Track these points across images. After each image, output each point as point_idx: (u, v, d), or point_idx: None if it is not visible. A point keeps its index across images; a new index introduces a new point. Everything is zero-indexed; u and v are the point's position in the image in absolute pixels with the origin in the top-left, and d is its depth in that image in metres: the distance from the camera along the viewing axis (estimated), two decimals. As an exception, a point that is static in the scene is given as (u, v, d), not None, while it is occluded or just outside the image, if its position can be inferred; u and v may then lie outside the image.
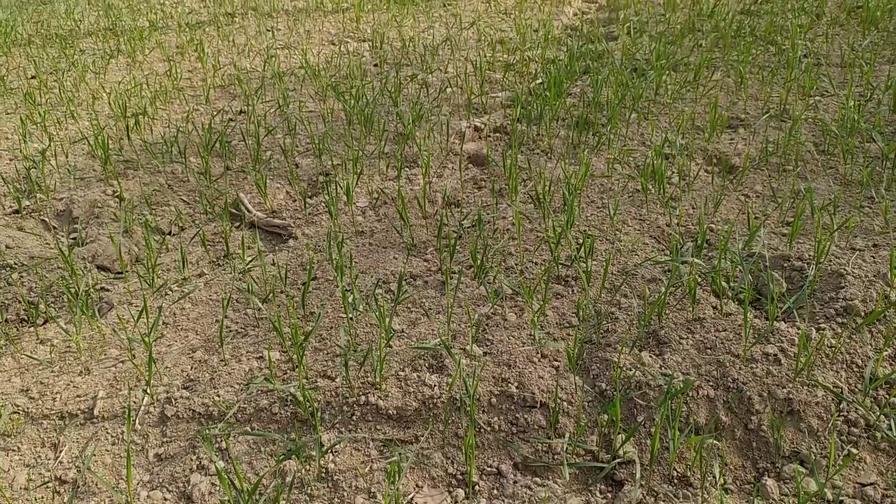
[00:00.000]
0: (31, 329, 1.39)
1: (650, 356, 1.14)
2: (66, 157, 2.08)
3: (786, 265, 1.32)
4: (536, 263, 1.44)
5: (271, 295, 1.41)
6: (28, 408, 1.17)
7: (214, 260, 1.59)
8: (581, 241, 1.47)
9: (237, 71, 2.71)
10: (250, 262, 1.54)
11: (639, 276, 1.35)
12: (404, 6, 3.53)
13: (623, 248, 1.46)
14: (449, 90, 2.41)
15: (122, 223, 1.71)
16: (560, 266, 1.40)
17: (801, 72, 2.22)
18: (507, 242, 1.53)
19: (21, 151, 2.12)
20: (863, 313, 1.16)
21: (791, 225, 1.45)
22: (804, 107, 2.02)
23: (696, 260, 1.25)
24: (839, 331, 1.14)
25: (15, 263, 1.56)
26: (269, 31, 3.35)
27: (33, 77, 2.92)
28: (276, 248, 1.64)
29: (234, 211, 1.78)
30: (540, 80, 2.45)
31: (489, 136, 2.12)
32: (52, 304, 1.45)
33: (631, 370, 1.10)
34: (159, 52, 3.11)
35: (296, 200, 1.85)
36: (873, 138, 1.77)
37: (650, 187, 1.68)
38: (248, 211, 1.76)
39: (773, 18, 2.78)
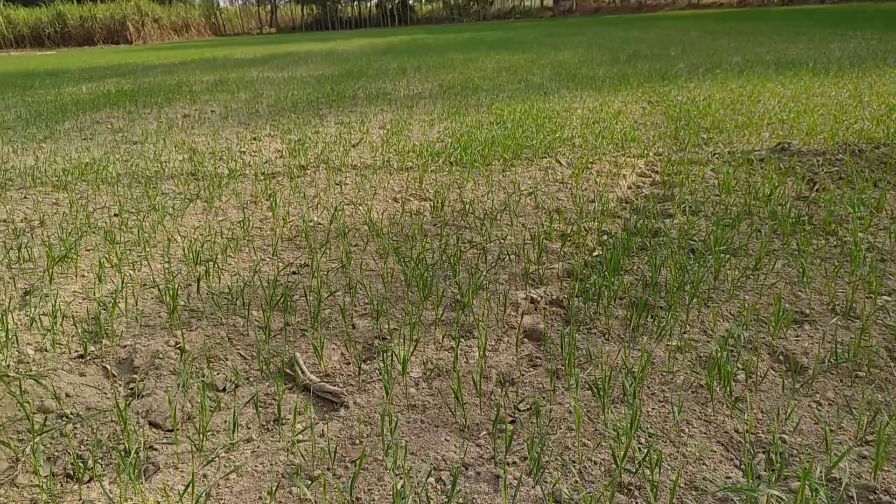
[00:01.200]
0: (76, 487, 1.37)
1: None
2: (136, 301, 2.16)
3: (871, 498, 1.22)
4: (595, 463, 1.38)
5: (319, 473, 1.36)
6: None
7: (265, 424, 1.57)
8: (647, 444, 1.41)
9: (305, 224, 2.85)
10: (301, 432, 1.52)
11: (709, 493, 1.26)
12: (465, 170, 3.72)
13: (689, 455, 1.38)
14: (506, 258, 2.46)
15: (180, 378, 1.73)
16: (622, 471, 1.33)
17: (867, 270, 2.20)
18: (565, 433, 1.47)
19: (95, 292, 2.22)
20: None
21: (872, 444, 1.36)
22: (872, 307, 1.98)
23: (773, 491, 1.17)
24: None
25: (71, 413, 1.57)
26: (337, 185, 3.55)
27: (116, 215, 3.13)
28: (327, 415, 1.61)
29: (288, 371, 1.79)
30: (597, 253, 2.49)
31: (545, 308, 2.12)
32: (100, 461, 1.44)
33: None
34: (235, 200, 3.32)
35: (350, 364, 1.85)
36: (952, 349, 1.69)
37: (715, 385, 1.62)
38: (303, 373, 1.77)
39: (832, 207, 2.81)
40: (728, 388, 1.59)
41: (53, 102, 8.09)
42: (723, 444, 1.41)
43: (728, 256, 2.38)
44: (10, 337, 1.92)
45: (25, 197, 3.57)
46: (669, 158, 3.81)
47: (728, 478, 1.30)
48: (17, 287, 2.32)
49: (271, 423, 1.57)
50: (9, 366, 1.80)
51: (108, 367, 1.79)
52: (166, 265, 2.47)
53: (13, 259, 2.58)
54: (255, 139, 5.00)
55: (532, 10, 63.75)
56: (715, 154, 3.86)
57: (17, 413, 1.59)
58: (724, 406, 1.55)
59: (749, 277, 2.23)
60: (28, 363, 1.82)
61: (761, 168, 3.50)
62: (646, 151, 4.02)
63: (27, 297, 2.23)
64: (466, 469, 1.38)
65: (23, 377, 1.72)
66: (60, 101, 8.16)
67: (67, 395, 1.65)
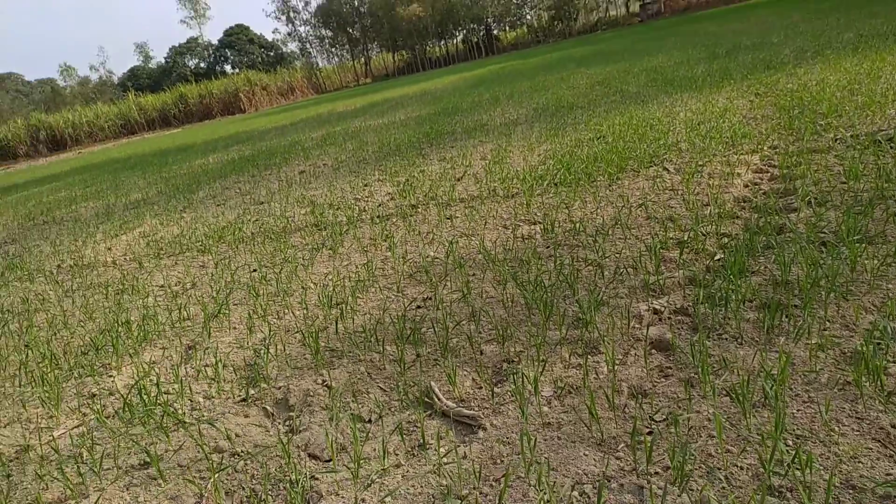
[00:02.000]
0: (254, 515, 1.53)
1: None
2: (284, 346, 2.38)
3: None
4: (742, 468, 1.36)
5: (467, 493, 1.44)
6: None
7: (410, 450, 1.67)
8: (795, 446, 1.37)
9: (423, 260, 3.00)
10: (445, 455, 1.61)
11: (868, 491, 1.21)
12: (571, 189, 3.75)
13: (842, 453, 1.33)
14: (623, 272, 2.46)
15: (331, 412, 1.88)
16: (771, 474, 1.30)
17: None
18: (706, 441, 1.46)
19: (247, 341, 2.46)
20: None
21: None
22: None
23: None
24: None
25: (241, 451, 1.76)
26: (448, 219, 3.70)
27: (255, 271, 3.44)
28: (467, 438, 1.70)
29: (426, 399, 1.90)
30: (719, 257, 2.43)
31: (669, 318, 2.10)
32: (271, 492, 1.60)
33: None
34: (356, 245, 3.55)
35: (482, 388, 1.92)
36: None
37: (864, 381, 1.55)
38: (439, 400, 1.87)
39: (981, 180, 2.58)
40: (879, 383, 1.51)
41: (187, 175, 8.96)
42: (879, 441, 1.35)
43: (864, 246, 2.25)
44: (182, 387, 2.18)
45: (176, 263, 3.99)
46: (786, 150, 3.64)
47: (889, 474, 1.24)
48: (182, 342, 2.61)
49: (416, 448, 1.68)
50: (184, 413, 2.04)
51: (268, 407, 1.98)
52: (304, 311, 2.68)
53: (174, 319, 2.90)
54: (366, 185, 5.29)
55: (618, 19, 62.63)
56: (837, 139, 3.65)
57: (197, 454, 1.80)
58: (877, 402, 1.47)
59: (891, 265, 2.10)
60: (200, 409, 2.05)
61: (891, 148, 3.27)
62: (759, 146, 3.86)
63: (191, 351, 2.51)
64: (609, 482, 1.41)
65: (199, 422, 1.95)
66: (192, 173, 9.03)
67: (237, 435, 1.85)
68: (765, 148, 3.81)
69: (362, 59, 70.23)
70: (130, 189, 8.71)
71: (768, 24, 14.23)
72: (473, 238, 3.26)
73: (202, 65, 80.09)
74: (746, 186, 3.25)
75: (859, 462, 1.30)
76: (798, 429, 1.44)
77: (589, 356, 1.95)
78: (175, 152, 14.81)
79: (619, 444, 1.53)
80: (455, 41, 69.06)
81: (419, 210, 4.06)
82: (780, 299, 2.00)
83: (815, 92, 4.97)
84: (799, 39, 9.25)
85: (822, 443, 1.38)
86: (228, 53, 79.59)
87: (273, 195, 5.75)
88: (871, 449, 1.33)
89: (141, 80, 77.28)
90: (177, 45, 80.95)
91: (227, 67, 78.42)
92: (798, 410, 1.51)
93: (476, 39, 66.46)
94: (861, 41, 7.44)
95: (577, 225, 3.09)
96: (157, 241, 4.72)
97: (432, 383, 1.94)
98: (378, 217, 4.07)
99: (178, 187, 7.72)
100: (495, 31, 67.54)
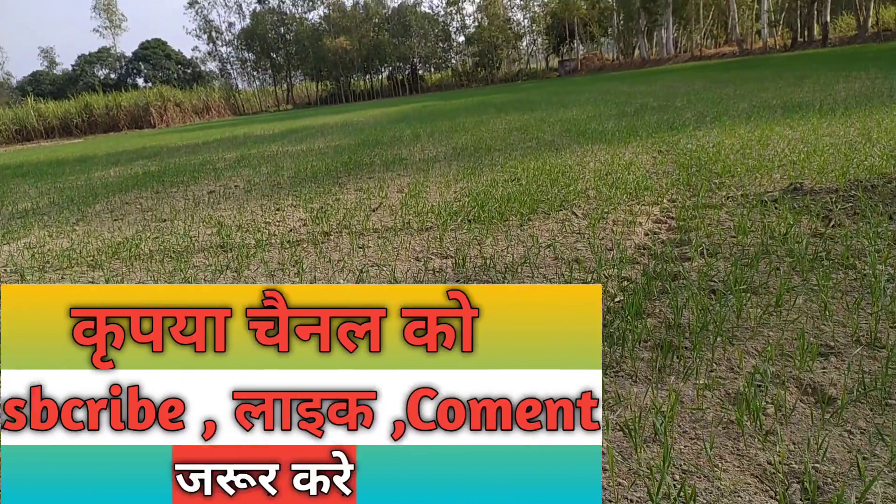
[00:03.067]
0: None
1: None
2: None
3: (910, 520, 1.22)
4: (631, 501, 1.39)
5: None
6: None
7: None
8: (681, 479, 1.42)
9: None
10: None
11: (745, 523, 1.27)
12: (484, 227, 3.82)
13: (724, 488, 1.39)
14: (530, 309, 2.51)
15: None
16: (658, 506, 1.34)
17: (889, 300, 2.21)
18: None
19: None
20: None
21: (907, 469, 1.36)
22: (897, 336, 1.99)
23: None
24: None
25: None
26: (360, 248, 3.66)
27: (151, 288, 3.25)
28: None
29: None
30: (619, 299, 2.53)
31: (571, 355, 2.15)
32: None
33: None
34: (263, 268, 3.44)
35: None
36: (981, 373, 1.69)
37: (745, 420, 1.64)
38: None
39: (849, 242, 2.84)
40: (758, 422, 1.61)
41: (84, 187, 8.45)
42: (757, 476, 1.42)
43: (749, 295, 2.41)
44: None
45: (63, 278, 3.72)
46: (684, 204, 3.88)
47: (765, 509, 1.31)
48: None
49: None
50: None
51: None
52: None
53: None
54: (278, 209, 5.17)
55: (538, 72, 65.60)
56: (728, 197, 3.93)
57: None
58: (756, 439, 1.56)
59: (771, 314, 2.26)
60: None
61: (776, 208, 3.55)
62: (660, 199, 4.10)
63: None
64: (504, 513, 1.40)
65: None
66: (90, 186, 8.52)
67: None
68: (664, 201, 4.05)
69: (284, 85, 69.57)
70: (19, 198, 8.10)
71: (673, 89, 15.33)
72: (384, 268, 3.24)
73: (112, 75, 76.68)
74: (647, 235, 3.42)
75: (738, 496, 1.36)
76: (684, 463, 1.50)
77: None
78: (73, 163, 13.96)
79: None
80: (381, 77, 69.87)
81: (331, 237, 4.01)
82: (672, 341, 2.10)
83: (711, 153, 5.36)
84: (700, 105, 10.01)
85: (705, 477, 1.44)
86: (142, 66, 76.71)
87: (177, 213, 5.51)
88: (750, 484, 1.40)
89: (43, 85, 72.91)
90: (86, 53, 77.26)
91: (140, 81, 75.52)
92: (685, 446, 1.57)
93: (401, 77, 67.51)
94: (754, 111, 8.14)
95: (488, 261, 3.14)
96: (43, 254, 4.38)
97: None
98: (288, 242, 3.98)
99: (73, 199, 7.25)
100: (421, 72, 68.97)
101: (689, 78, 20.17)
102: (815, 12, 43.16)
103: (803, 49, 39.41)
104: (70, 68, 77.58)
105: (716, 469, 1.47)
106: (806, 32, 44.67)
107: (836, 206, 3.48)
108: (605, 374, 1.96)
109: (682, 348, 2.06)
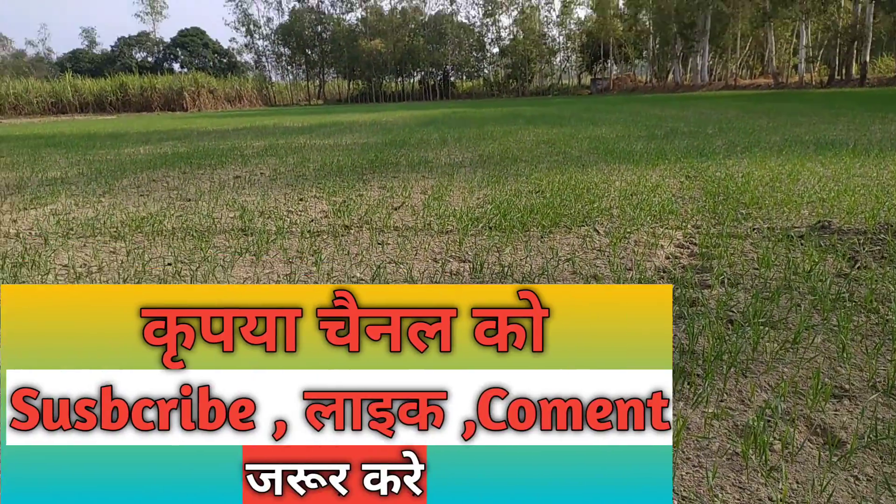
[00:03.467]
0: None
1: None
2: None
3: (916, 570, 1.19)
4: (630, 523, 1.37)
5: None
6: None
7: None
8: (679, 504, 1.40)
9: (347, 279, 2.95)
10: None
11: (745, 556, 1.25)
12: (504, 235, 3.82)
13: (725, 519, 1.37)
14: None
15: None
16: (657, 530, 1.32)
17: (910, 346, 2.17)
18: (599, 493, 1.47)
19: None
20: None
21: (916, 519, 1.33)
22: (916, 384, 1.95)
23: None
24: None
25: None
26: (379, 244, 3.68)
27: (169, 265, 3.29)
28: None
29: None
30: (633, 321, 2.51)
31: (581, 371, 2.14)
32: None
33: None
34: (282, 255, 3.46)
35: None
36: None
37: (751, 454, 1.61)
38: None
39: (874, 285, 2.79)
40: (764, 457, 1.58)
41: (113, 161, 8.58)
42: (760, 511, 1.40)
43: (767, 329, 2.38)
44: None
45: (85, 245, 3.77)
46: (708, 231, 3.85)
47: (766, 544, 1.28)
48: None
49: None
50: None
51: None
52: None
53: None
54: (301, 199, 5.21)
55: (569, 88, 65.51)
56: (754, 229, 3.89)
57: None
58: (759, 474, 1.54)
59: (788, 350, 2.22)
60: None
61: (801, 244, 3.51)
62: (684, 224, 4.06)
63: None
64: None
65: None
66: (119, 161, 8.65)
67: None
68: (688, 226, 4.02)
69: (317, 81, 70.21)
70: (49, 166, 8.24)
71: (705, 116, 15.22)
72: (402, 266, 3.24)
73: (150, 59, 77.91)
74: (667, 258, 3.39)
75: (739, 529, 1.34)
76: (685, 490, 1.48)
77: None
78: (105, 137, 14.18)
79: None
80: (412, 80, 70.24)
81: (352, 231, 4.02)
82: (684, 366, 2.07)
83: (740, 183, 5.31)
84: (731, 134, 9.92)
85: (707, 506, 1.42)
86: (179, 53, 77.86)
87: (203, 195, 5.57)
88: (751, 518, 1.38)
89: (82, 63, 74.26)
90: (126, 35, 78.67)
91: (176, 66, 76.62)
92: (687, 473, 1.55)
93: (433, 82, 67.81)
94: (786, 145, 8.05)
95: (506, 269, 3.13)
96: (68, 221, 4.45)
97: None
98: (309, 232, 4.00)
99: (102, 172, 7.36)
100: (452, 78, 69.24)
101: (722, 106, 20.03)
102: (855, 51, 42.70)
103: (840, 87, 38.97)
104: (109, 49, 78.97)
105: (716, 499, 1.45)
106: (843, 70, 44.20)
107: (864, 248, 3.42)
108: (613, 393, 1.94)
109: (695, 375, 2.04)
